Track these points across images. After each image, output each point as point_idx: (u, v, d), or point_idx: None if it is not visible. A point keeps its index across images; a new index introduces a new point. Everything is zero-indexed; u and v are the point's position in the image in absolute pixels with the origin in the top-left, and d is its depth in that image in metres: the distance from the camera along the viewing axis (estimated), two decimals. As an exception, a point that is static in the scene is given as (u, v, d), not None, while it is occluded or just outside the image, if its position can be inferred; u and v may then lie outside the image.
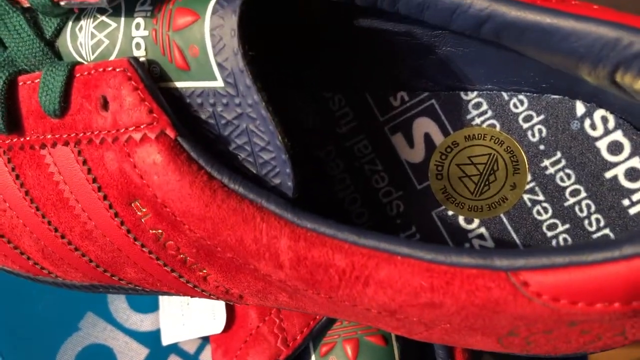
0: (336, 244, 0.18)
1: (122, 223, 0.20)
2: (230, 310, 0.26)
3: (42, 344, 0.31)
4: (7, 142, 0.21)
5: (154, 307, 0.32)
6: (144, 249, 0.20)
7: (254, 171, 0.19)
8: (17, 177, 0.21)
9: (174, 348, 0.32)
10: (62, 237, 0.22)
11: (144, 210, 0.19)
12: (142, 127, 0.18)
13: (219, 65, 0.18)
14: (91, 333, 0.32)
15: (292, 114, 0.24)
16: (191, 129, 0.19)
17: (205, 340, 0.32)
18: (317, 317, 0.25)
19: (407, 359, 0.25)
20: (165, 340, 0.30)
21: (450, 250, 0.17)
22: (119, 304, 0.32)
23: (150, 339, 0.32)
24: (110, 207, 0.20)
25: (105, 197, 0.20)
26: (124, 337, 0.32)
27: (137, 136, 0.18)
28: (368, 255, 0.17)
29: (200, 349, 0.32)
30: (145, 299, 0.32)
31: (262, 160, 0.19)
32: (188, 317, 0.28)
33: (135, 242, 0.20)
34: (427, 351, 0.25)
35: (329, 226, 0.18)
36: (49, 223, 0.22)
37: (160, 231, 0.19)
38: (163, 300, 0.30)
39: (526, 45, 0.18)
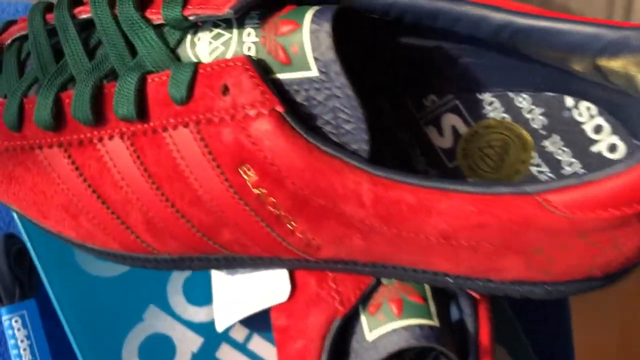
0: (405, 186, 0.24)
1: (230, 186, 0.26)
2: (292, 280, 0.32)
3: (112, 333, 0.36)
4: (131, 129, 0.27)
5: (208, 300, 0.37)
6: (246, 207, 0.26)
7: (337, 140, 0.25)
8: (138, 157, 0.27)
9: (225, 337, 0.36)
10: (172, 205, 0.27)
11: (250, 173, 0.25)
12: (257, 104, 0.24)
13: (315, 59, 0.24)
14: (153, 324, 0.36)
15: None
16: (290, 109, 0.25)
17: (253, 329, 0.36)
18: (367, 281, 0.30)
19: (441, 312, 0.30)
20: (220, 325, 0.34)
21: (491, 184, 0.23)
22: (177, 298, 0.37)
23: (205, 329, 0.36)
24: (222, 173, 0.26)
25: (218, 166, 0.26)
26: (182, 327, 0.36)
27: (253, 112, 0.24)
28: (430, 192, 0.23)
29: (248, 338, 0.37)
30: (200, 293, 0.37)
31: (344, 130, 0.25)
32: (249, 294, 0.33)
33: (240, 201, 0.26)
34: (456, 307, 0.31)
35: (398, 174, 0.24)
36: (162, 194, 0.27)
37: (263, 190, 0.25)
38: (216, 289, 0.35)
39: (530, 44, 0.25)
